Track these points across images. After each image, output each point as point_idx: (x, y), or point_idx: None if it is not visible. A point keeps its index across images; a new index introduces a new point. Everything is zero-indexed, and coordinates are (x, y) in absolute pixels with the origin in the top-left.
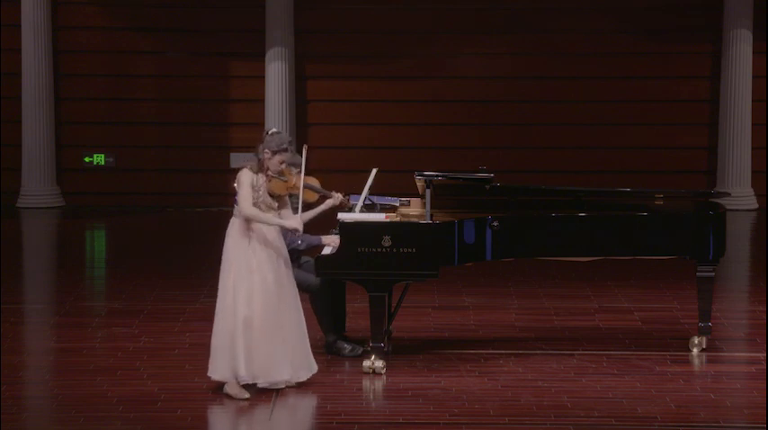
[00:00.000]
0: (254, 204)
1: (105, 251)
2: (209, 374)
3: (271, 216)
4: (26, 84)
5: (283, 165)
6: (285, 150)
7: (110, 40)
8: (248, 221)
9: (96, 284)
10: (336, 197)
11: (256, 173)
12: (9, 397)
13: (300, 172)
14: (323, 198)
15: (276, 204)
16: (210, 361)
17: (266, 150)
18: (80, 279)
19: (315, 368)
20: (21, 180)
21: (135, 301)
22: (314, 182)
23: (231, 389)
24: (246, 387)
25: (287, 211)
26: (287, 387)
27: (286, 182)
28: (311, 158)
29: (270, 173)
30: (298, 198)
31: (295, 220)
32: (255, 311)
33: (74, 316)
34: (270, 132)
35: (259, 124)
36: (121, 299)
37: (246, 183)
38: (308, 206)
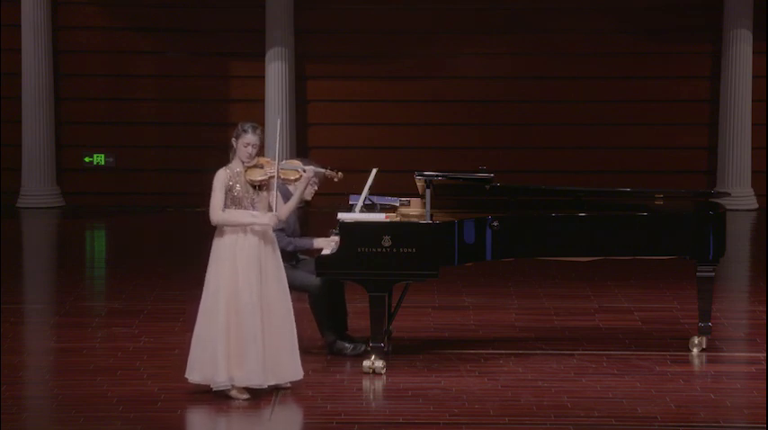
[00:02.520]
0: (237, 198)
1: (105, 251)
2: (186, 376)
3: (242, 215)
4: (26, 84)
5: (249, 148)
6: (246, 131)
7: (110, 40)
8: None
9: (96, 284)
10: (309, 170)
11: (229, 168)
12: (9, 397)
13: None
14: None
15: (260, 194)
16: (189, 363)
17: (233, 140)
18: (80, 279)
19: (300, 374)
20: (21, 180)
21: (135, 301)
22: (293, 162)
23: (231, 389)
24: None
25: (279, 202)
26: (277, 388)
27: (262, 169)
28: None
29: (245, 163)
30: (283, 184)
31: (268, 217)
32: (239, 314)
33: (74, 316)
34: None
35: (259, 124)
36: (121, 299)
37: (219, 185)
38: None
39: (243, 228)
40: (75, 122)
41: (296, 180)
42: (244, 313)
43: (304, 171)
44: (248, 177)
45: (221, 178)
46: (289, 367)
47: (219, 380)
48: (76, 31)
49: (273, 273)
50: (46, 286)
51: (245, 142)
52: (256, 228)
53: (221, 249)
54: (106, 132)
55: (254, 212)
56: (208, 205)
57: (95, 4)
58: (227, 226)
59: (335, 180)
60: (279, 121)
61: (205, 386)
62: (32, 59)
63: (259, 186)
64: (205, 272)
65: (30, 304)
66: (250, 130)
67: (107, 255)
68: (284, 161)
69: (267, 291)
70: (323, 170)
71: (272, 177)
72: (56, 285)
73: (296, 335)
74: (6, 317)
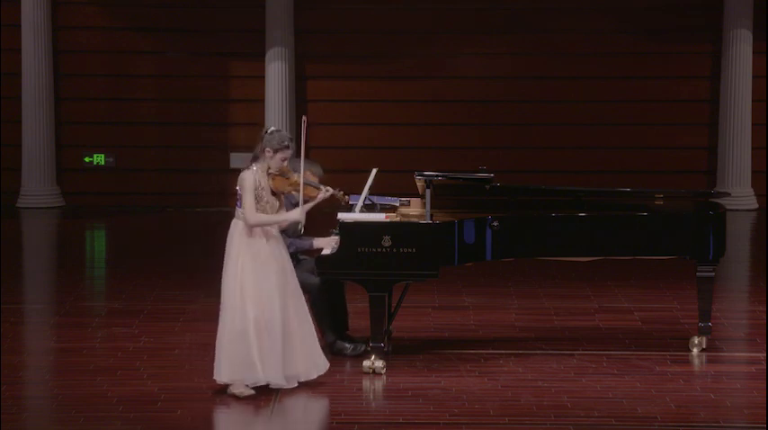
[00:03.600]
0: (259, 205)
1: (105, 251)
2: (215, 377)
3: (275, 216)
4: (26, 84)
5: (285, 163)
6: (287, 148)
7: (110, 40)
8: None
9: (96, 284)
10: (325, 191)
11: (257, 172)
12: (9, 397)
13: (300, 171)
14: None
15: (278, 203)
16: (216, 363)
17: (267, 149)
18: (80, 279)
19: (326, 365)
20: (21, 180)
21: (135, 301)
22: (313, 178)
23: (235, 387)
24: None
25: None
26: (298, 384)
27: (288, 179)
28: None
29: (271, 171)
30: (298, 194)
31: (297, 213)
32: (264, 312)
33: (74, 316)
34: (269, 131)
35: (259, 124)
36: (121, 299)
37: (250, 188)
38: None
39: (264, 230)
40: (75, 122)
41: (314, 197)
42: (271, 312)
43: (320, 190)
44: (274, 186)
45: (250, 181)
46: (312, 364)
47: (257, 377)
48: (76, 31)
49: (291, 273)
50: (46, 286)
51: (283, 157)
52: (282, 226)
53: (242, 251)
54: (106, 132)
55: (283, 213)
56: (236, 203)
57: (95, 4)
58: (263, 226)
59: (342, 203)
60: (304, 119)
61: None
62: (32, 59)
63: (280, 194)
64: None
65: (30, 304)
66: (290, 145)
67: (107, 255)
68: (305, 177)
69: (289, 289)
70: (335, 192)
71: (297, 190)
72: (56, 285)
73: (315, 332)
74: (6, 317)
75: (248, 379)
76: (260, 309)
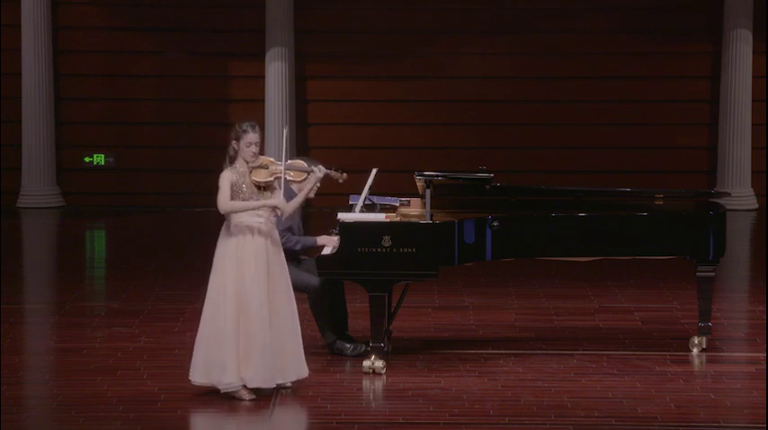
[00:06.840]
0: (244, 199)
1: (105, 251)
2: (190, 377)
3: (250, 202)
4: (26, 84)
5: (252, 147)
6: (246, 131)
7: (110, 39)
8: (233, 221)
9: (96, 284)
10: (318, 170)
11: (234, 169)
12: (9, 397)
13: (283, 158)
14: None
15: (265, 195)
16: (193, 362)
17: (233, 142)
18: (80, 279)
19: (305, 372)
20: (21, 180)
21: (135, 301)
22: (298, 162)
23: (236, 391)
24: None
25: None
26: (278, 388)
27: (267, 169)
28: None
29: (249, 164)
30: (285, 182)
31: (276, 199)
32: (245, 315)
33: (74, 316)
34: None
35: (259, 124)
36: (121, 299)
37: (225, 184)
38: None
39: (249, 228)
40: (75, 122)
41: (302, 180)
42: (253, 314)
43: (311, 171)
44: (253, 178)
45: (227, 177)
46: (294, 366)
47: (228, 382)
48: (76, 31)
49: (279, 272)
50: (46, 286)
51: (248, 141)
52: (261, 222)
53: (227, 250)
54: (106, 132)
55: (261, 200)
56: (215, 203)
57: (95, 4)
58: (236, 212)
59: (340, 181)
60: (286, 130)
61: (207, 387)
62: (32, 59)
63: (264, 187)
64: (206, 271)
65: (30, 304)
66: (250, 129)
67: (107, 255)
68: (288, 161)
69: (274, 291)
70: (329, 171)
71: (278, 178)
72: (56, 285)
73: (300, 334)
74: (6, 317)
75: (222, 381)
76: (242, 311)
